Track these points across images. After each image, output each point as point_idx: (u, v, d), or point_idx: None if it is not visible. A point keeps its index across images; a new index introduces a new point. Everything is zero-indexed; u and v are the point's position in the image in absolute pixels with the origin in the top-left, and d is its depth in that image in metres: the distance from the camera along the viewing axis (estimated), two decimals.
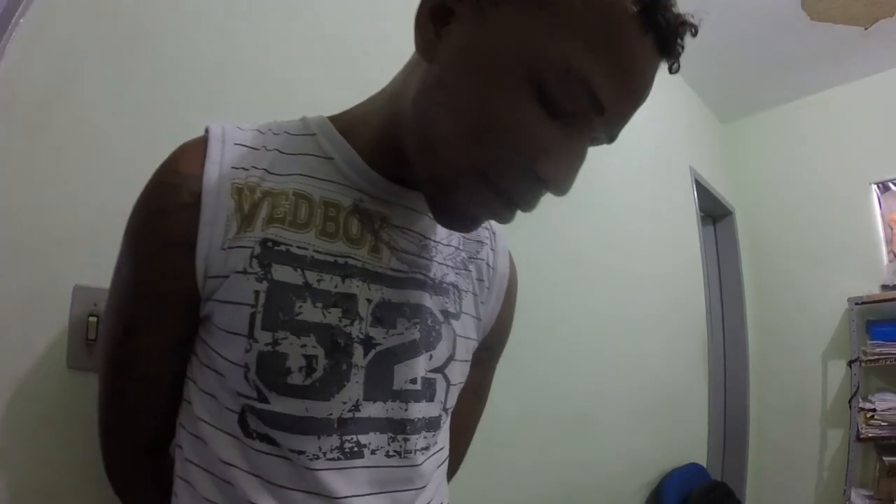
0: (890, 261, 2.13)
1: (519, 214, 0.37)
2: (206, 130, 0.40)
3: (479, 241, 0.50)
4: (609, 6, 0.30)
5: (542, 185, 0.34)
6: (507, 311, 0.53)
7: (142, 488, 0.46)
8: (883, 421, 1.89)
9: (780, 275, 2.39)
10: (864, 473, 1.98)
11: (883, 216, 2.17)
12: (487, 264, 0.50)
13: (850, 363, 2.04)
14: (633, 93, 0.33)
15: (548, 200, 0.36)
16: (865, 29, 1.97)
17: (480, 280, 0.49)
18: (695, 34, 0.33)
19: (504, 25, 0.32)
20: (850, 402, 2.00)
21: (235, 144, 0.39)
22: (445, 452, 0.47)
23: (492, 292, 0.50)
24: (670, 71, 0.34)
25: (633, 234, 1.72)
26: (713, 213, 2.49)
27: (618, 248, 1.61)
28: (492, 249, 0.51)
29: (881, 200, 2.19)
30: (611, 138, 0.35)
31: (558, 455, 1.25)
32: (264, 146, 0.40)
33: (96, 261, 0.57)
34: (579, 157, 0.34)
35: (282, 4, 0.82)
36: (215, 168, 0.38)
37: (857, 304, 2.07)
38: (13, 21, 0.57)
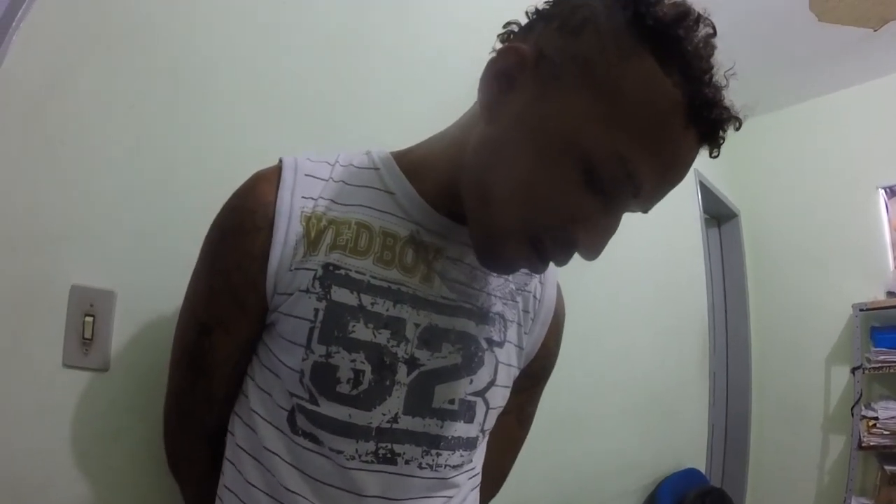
0: None
1: None
2: (280, 161, 0.45)
3: (527, 274, 0.52)
4: (661, 104, 0.33)
5: (576, 249, 0.37)
6: (553, 341, 0.56)
7: (197, 467, 0.51)
8: (885, 430, 1.87)
9: (784, 279, 2.37)
10: (865, 482, 1.96)
11: (890, 221, 2.14)
12: (535, 297, 0.52)
13: (853, 370, 2.02)
14: (671, 181, 0.36)
15: None
16: (874, 30, 1.94)
17: (526, 311, 0.51)
18: (738, 128, 0.36)
19: (561, 105, 0.35)
20: (852, 409, 1.98)
21: (306, 175, 0.44)
22: (478, 474, 0.51)
23: (536, 323, 0.53)
24: (710, 155, 0.37)
25: (633, 233, 1.70)
26: (718, 215, 2.47)
27: (617, 245, 1.58)
28: (540, 283, 0.53)
29: (888, 205, 2.16)
30: (644, 211, 0.39)
31: (548, 455, 1.23)
32: (331, 178, 0.45)
33: (93, 260, 0.58)
34: (613, 228, 0.38)
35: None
36: (287, 196, 0.42)
37: (861, 310, 2.04)
38: (13, 25, 0.58)
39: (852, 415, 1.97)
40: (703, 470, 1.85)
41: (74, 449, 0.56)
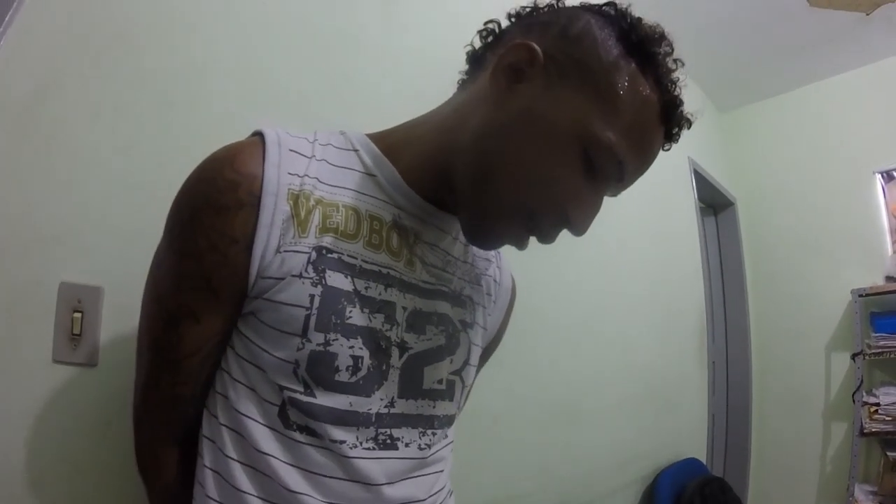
0: (894, 251, 2.09)
1: None
2: (261, 133, 0.41)
3: (487, 260, 0.56)
4: (645, 106, 0.40)
5: (566, 227, 0.42)
6: (506, 322, 0.61)
7: (164, 473, 0.46)
8: (887, 415, 1.86)
9: (782, 266, 2.36)
10: (868, 468, 1.95)
11: (887, 205, 2.13)
12: (494, 280, 0.57)
13: (853, 356, 2.01)
14: (644, 168, 0.43)
15: None
16: (867, 14, 1.93)
17: (488, 294, 0.55)
18: (689, 127, 0.44)
19: (567, 101, 0.39)
20: (853, 395, 1.97)
21: (290, 150, 0.41)
22: (452, 441, 0.53)
23: (497, 305, 0.57)
24: (662, 149, 0.44)
25: (628, 223, 1.69)
26: (714, 203, 2.46)
27: (611, 236, 1.59)
28: (498, 267, 0.58)
29: (885, 190, 2.15)
30: (615, 194, 0.44)
31: (543, 447, 1.23)
32: (314, 155, 0.43)
33: (81, 257, 0.59)
34: (599, 207, 0.43)
35: (259, 0, 0.82)
36: (274, 171, 0.39)
37: (860, 295, 2.03)
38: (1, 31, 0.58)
39: (854, 401, 1.97)
40: (703, 460, 1.85)
41: (64, 444, 0.56)
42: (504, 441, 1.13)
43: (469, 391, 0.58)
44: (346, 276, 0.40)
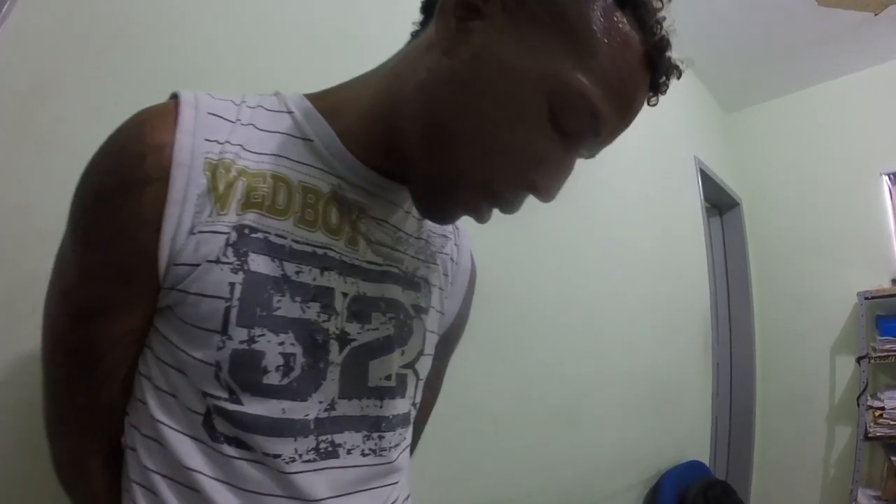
0: None
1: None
2: (176, 96, 0.35)
3: (443, 236, 0.50)
4: (626, 47, 0.33)
5: (532, 192, 0.36)
6: (467, 307, 0.53)
7: (97, 482, 0.40)
8: (891, 420, 1.85)
9: (787, 267, 2.34)
10: (872, 473, 1.94)
11: (894, 207, 2.12)
12: (451, 259, 0.50)
13: (858, 359, 2.00)
14: (626, 121, 0.36)
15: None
16: (875, 15, 1.91)
17: (445, 275, 0.49)
18: (679, 77, 0.37)
19: (532, 43, 0.33)
20: (858, 399, 1.96)
21: (209, 114, 0.35)
22: (408, 446, 0.48)
23: (455, 287, 0.50)
24: (648, 103, 0.37)
25: (633, 222, 1.68)
26: (719, 203, 2.45)
27: (615, 235, 1.58)
28: (455, 245, 0.51)
29: (892, 192, 2.13)
30: (591, 155, 0.38)
31: (544, 448, 1.22)
32: (239, 119, 0.37)
33: None
34: (570, 170, 0.37)
35: (259, 0, 0.82)
36: (188, 139, 0.33)
37: (866, 298, 2.02)
38: None
39: (858, 405, 1.95)
40: (706, 462, 1.84)
41: None
42: (504, 442, 1.13)
43: (436, 383, 0.51)
44: (272, 260, 0.34)
